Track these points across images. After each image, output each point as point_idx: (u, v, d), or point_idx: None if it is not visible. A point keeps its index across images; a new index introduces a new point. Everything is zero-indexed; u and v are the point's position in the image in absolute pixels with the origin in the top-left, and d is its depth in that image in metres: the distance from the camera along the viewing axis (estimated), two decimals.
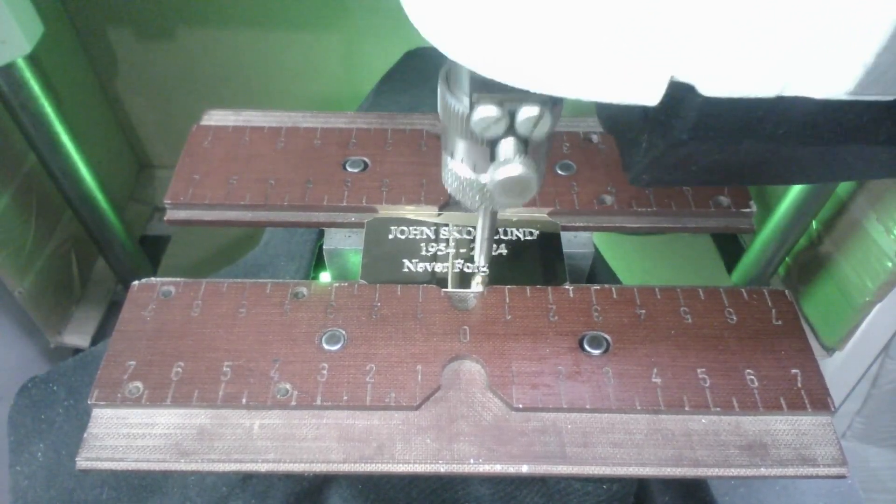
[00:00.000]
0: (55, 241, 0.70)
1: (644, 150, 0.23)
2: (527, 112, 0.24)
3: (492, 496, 0.35)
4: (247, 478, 0.38)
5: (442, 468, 0.29)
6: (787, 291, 0.35)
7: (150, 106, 0.86)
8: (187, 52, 0.79)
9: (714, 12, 0.17)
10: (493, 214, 0.33)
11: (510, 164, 0.25)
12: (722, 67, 0.18)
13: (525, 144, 0.26)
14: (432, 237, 0.38)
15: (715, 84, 0.19)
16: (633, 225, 0.39)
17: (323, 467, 0.29)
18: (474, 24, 0.20)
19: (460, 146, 0.28)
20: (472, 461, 0.29)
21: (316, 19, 0.75)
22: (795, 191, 0.65)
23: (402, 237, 0.38)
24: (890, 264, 0.58)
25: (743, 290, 0.35)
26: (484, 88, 0.24)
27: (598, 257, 0.42)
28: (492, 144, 0.26)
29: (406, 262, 0.37)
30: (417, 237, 0.38)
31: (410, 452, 0.29)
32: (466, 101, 0.25)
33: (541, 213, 0.39)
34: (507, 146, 0.25)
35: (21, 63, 0.55)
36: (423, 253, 0.37)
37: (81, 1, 0.74)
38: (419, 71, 0.60)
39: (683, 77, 0.19)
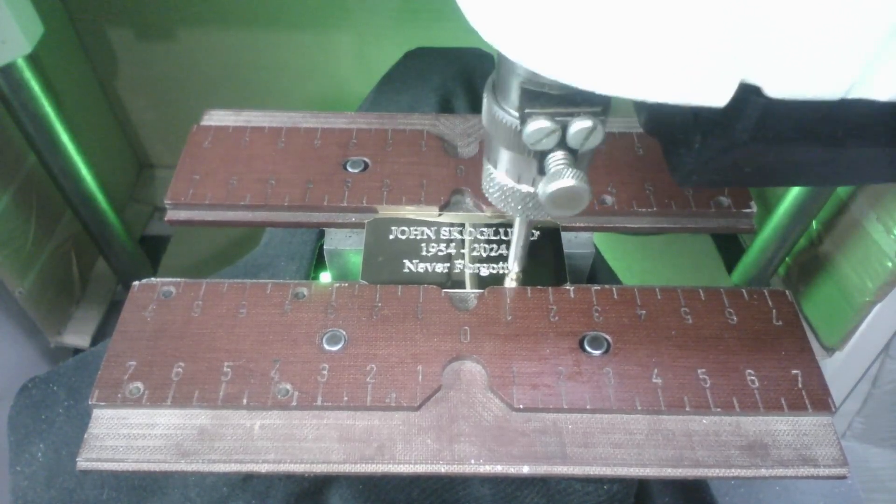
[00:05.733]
0: (55, 241, 0.70)
1: (697, 151, 0.23)
2: (579, 125, 0.24)
3: (492, 496, 0.35)
4: (247, 478, 0.38)
5: (442, 468, 0.29)
6: (787, 291, 0.35)
7: (150, 106, 0.86)
8: (187, 52, 0.79)
9: (787, 14, 0.17)
10: (529, 222, 0.33)
11: (562, 177, 0.25)
12: (791, 70, 0.18)
13: (574, 156, 0.25)
14: (433, 237, 0.38)
15: (782, 86, 0.19)
16: (634, 225, 0.39)
17: (323, 468, 0.29)
18: (540, 26, 0.20)
19: (504, 156, 0.28)
20: (472, 462, 0.29)
21: (317, 19, 0.75)
22: (795, 190, 0.65)
23: (403, 237, 0.38)
24: (890, 264, 0.58)
25: (743, 291, 0.35)
26: (536, 102, 0.24)
27: (598, 257, 0.42)
28: (539, 156, 0.26)
29: (407, 262, 0.37)
30: (418, 237, 0.38)
31: (411, 453, 0.29)
32: (516, 113, 0.25)
33: None
34: (558, 159, 0.25)
35: (21, 63, 0.55)
36: (424, 253, 0.37)
37: (81, 1, 0.74)
38: (419, 71, 0.60)
39: (752, 79, 0.19)
